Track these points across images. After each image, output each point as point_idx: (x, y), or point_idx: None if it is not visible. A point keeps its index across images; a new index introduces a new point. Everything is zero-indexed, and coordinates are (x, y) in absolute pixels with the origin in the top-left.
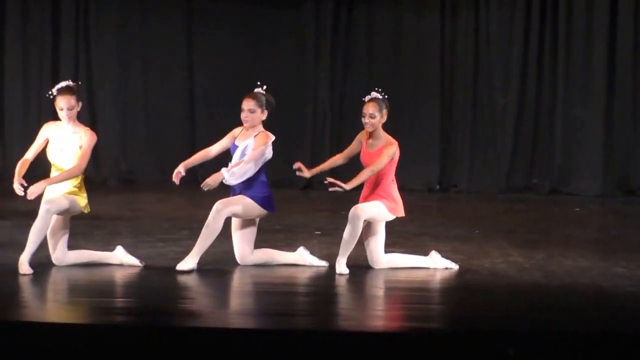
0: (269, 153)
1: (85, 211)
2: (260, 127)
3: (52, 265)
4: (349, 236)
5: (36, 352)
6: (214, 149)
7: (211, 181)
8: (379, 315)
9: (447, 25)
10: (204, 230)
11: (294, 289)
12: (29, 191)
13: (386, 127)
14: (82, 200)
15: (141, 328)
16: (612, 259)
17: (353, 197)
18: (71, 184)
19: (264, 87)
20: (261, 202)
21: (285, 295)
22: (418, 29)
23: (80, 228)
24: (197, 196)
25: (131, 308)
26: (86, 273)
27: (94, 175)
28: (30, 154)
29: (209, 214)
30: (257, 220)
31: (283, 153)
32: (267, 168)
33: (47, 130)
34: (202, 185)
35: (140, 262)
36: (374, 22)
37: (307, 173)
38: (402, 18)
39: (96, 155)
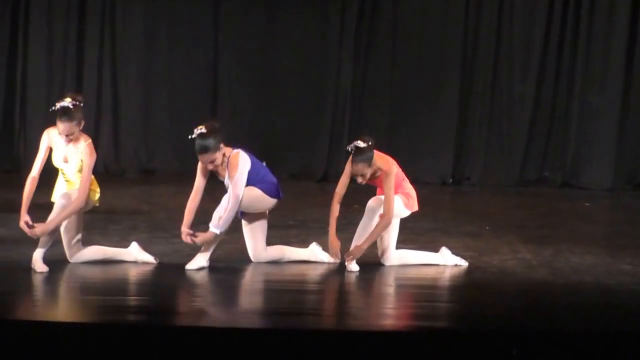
0: (246, 165)
1: (97, 204)
2: (225, 156)
3: (67, 262)
4: (363, 228)
5: (48, 351)
6: (197, 197)
7: (201, 240)
8: (388, 313)
9: (472, 12)
10: None
11: (304, 287)
12: (33, 231)
13: (402, 121)
14: (95, 195)
15: (152, 327)
16: (618, 255)
17: (368, 192)
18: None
19: (202, 126)
20: (270, 191)
21: (296, 294)
22: (442, 15)
23: (97, 223)
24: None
25: (143, 306)
26: (100, 271)
27: (114, 166)
28: (36, 170)
29: None
30: (267, 213)
31: (301, 144)
32: (264, 158)
33: (49, 139)
34: (189, 240)
35: (155, 259)
36: (399, 7)
37: (337, 248)
38: (427, 5)
39: (116, 146)
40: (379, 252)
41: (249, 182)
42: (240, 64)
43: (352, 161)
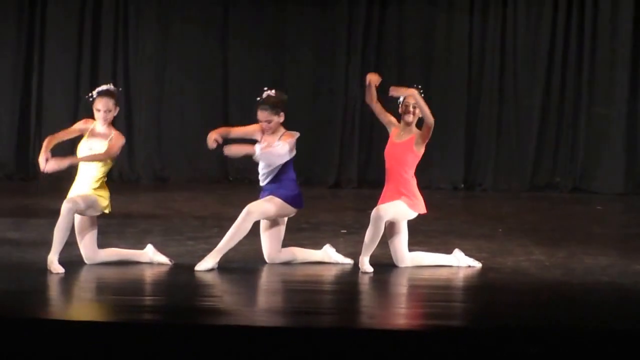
0: (294, 145)
1: (106, 211)
2: (282, 129)
3: (83, 263)
4: (371, 237)
5: (65, 350)
6: (240, 130)
7: (235, 150)
8: (403, 313)
9: (476, 24)
10: (231, 230)
11: (319, 287)
12: (48, 164)
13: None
14: (104, 201)
15: (169, 326)
16: (632, 256)
17: (379, 195)
18: (93, 185)
19: (272, 90)
20: (292, 201)
21: (311, 293)
22: (448, 29)
23: (113, 227)
24: (227, 195)
25: (159, 306)
26: (116, 271)
27: (128, 173)
28: (60, 134)
29: (239, 213)
30: (285, 219)
31: (312, 152)
32: (294, 166)
33: (84, 126)
34: (224, 149)
35: (170, 260)
36: (405, 21)
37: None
38: (432, 18)
39: (130, 153)
40: (393, 255)
41: (275, 189)
42: (250, 79)
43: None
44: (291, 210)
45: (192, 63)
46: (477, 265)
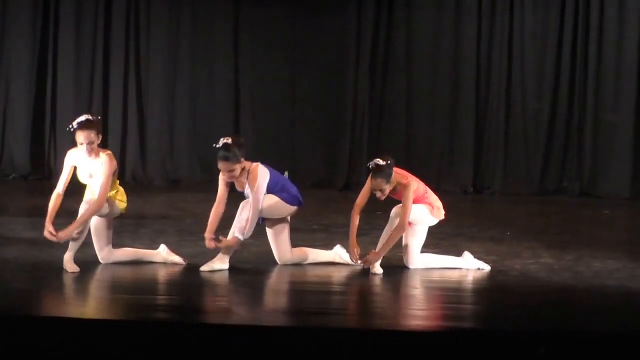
0: (266, 178)
1: (124, 212)
2: (246, 170)
3: (99, 263)
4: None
5: (80, 348)
6: (220, 206)
7: (225, 245)
8: (413, 314)
9: (484, 30)
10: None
11: (330, 288)
12: (58, 236)
13: (423, 131)
14: (121, 204)
15: (182, 325)
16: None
17: (391, 200)
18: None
19: (227, 139)
20: (288, 200)
21: (322, 294)
22: (455, 34)
23: (127, 227)
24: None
25: (173, 305)
26: (130, 271)
27: (142, 176)
28: (61, 188)
29: None
30: (289, 218)
31: (322, 156)
32: (286, 169)
33: (73, 158)
34: (213, 245)
35: (184, 260)
36: (413, 27)
37: (356, 253)
38: (441, 23)
39: (143, 156)
40: (404, 256)
41: (269, 192)
42: (261, 84)
43: (372, 177)
44: (290, 210)
45: (202, 71)
46: (487, 268)
